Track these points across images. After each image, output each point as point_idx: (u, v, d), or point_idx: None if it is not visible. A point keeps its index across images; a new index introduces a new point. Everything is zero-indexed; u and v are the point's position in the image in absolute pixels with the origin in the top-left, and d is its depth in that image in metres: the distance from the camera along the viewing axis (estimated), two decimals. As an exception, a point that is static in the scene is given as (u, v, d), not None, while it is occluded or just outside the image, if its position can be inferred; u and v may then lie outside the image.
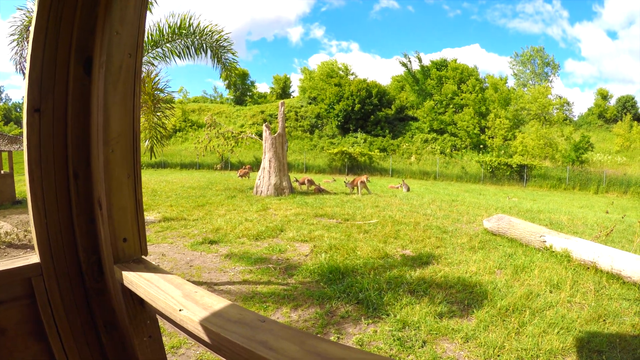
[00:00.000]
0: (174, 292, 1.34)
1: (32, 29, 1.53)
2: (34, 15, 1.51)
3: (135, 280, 1.48)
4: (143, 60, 7.20)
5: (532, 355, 3.93)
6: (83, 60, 1.60)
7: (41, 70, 1.54)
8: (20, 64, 7.36)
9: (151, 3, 6.72)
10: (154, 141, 7.80)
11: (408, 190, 21.40)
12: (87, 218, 1.71)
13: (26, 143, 1.58)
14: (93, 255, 1.74)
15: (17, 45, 7.11)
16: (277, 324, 1.06)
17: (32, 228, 1.68)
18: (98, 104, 1.55)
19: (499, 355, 3.94)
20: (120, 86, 1.57)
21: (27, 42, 6.99)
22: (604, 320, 4.73)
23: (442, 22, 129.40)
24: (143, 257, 1.74)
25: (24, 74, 7.41)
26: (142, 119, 7.55)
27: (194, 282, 5.79)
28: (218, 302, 1.23)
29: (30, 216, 1.66)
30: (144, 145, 7.89)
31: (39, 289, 1.66)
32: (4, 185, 12.75)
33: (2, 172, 14.30)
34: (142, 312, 1.67)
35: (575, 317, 4.77)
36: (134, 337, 1.68)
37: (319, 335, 1.24)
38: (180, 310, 1.22)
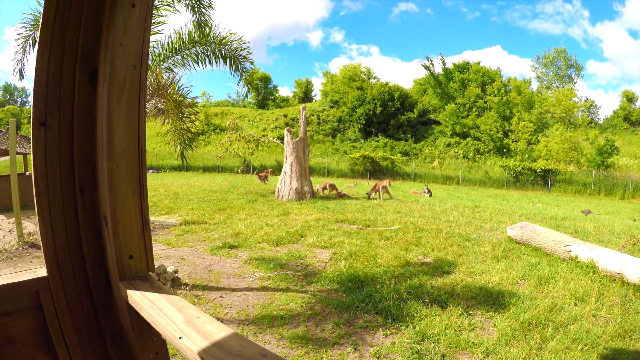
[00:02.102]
0: (175, 316, 1.29)
1: (37, 40, 1.50)
2: (40, 26, 1.48)
3: (138, 301, 1.44)
4: (163, 67, 7.26)
5: (556, 373, 3.78)
6: (88, 72, 1.56)
7: (47, 83, 1.51)
8: (19, 66, 7.27)
9: (174, 11, 6.76)
10: (184, 146, 7.84)
11: (430, 195, 21.16)
12: (94, 233, 1.68)
13: (33, 157, 1.56)
14: (100, 270, 1.71)
15: (21, 47, 7.08)
16: (278, 360, 0.99)
17: (40, 241, 1.67)
18: (103, 117, 1.52)
19: (522, 372, 3.81)
20: (125, 99, 1.53)
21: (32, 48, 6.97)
22: (630, 336, 4.52)
23: (462, 25, 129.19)
24: (150, 274, 1.70)
25: (21, 73, 7.39)
26: (169, 126, 7.59)
27: (212, 288, 5.80)
28: (220, 331, 1.17)
29: (38, 230, 1.65)
30: (175, 150, 7.93)
31: (46, 302, 1.65)
32: (28, 186, 12.97)
33: (27, 173, 14.60)
34: (148, 329, 1.63)
35: (600, 332, 4.58)
36: (140, 354, 1.64)
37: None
38: (180, 338, 1.16)
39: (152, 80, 6.69)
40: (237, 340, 1.10)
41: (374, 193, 18.10)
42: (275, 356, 1.00)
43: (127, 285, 1.56)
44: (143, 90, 1.57)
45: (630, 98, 54.71)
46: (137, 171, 1.60)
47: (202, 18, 7.17)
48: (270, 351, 1.02)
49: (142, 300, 1.43)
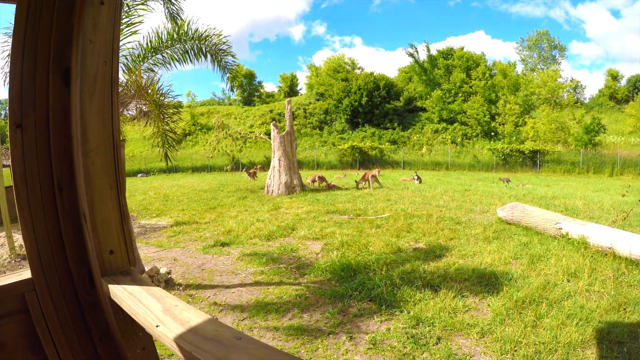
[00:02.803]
0: (154, 306, 1.31)
1: (10, 43, 1.50)
2: (13, 29, 1.48)
3: (119, 294, 1.45)
4: (144, 68, 7.20)
5: (550, 349, 3.83)
6: (62, 72, 1.56)
7: (21, 85, 1.51)
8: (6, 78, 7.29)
9: (149, 9, 6.70)
10: (167, 147, 7.79)
11: (420, 181, 21.25)
12: (74, 231, 1.69)
13: (11, 159, 1.56)
14: (83, 268, 1.71)
15: (6, 61, 7.07)
16: (253, 342, 1.01)
17: (24, 244, 1.67)
18: (77, 115, 1.52)
19: (516, 350, 3.85)
20: (97, 95, 1.54)
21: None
22: (624, 309, 4.58)
23: (443, 11, 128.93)
24: (131, 268, 1.70)
25: None
26: (152, 127, 7.54)
27: (205, 286, 5.80)
28: (196, 317, 1.18)
29: (20, 232, 1.65)
30: (159, 152, 7.88)
31: (32, 304, 1.65)
32: (17, 198, 12.95)
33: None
34: (133, 324, 1.64)
35: (594, 306, 4.64)
36: (127, 350, 1.65)
37: (295, 355, 1.19)
38: (157, 326, 1.18)
39: (131, 81, 6.64)
40: (213, 325, 1.12)
41: (363, 182, 18.09)
42: (249, 338, 1.02)
43: (109, 281, 1.57)
44: (115, 86, 1.57)
45: (615, 76, 55.03)
46: (113, 166, 1.61)
47: (173, 8, 7.12)
48: (244, 333, 1.04)
49: (122, 294, 1.44)
